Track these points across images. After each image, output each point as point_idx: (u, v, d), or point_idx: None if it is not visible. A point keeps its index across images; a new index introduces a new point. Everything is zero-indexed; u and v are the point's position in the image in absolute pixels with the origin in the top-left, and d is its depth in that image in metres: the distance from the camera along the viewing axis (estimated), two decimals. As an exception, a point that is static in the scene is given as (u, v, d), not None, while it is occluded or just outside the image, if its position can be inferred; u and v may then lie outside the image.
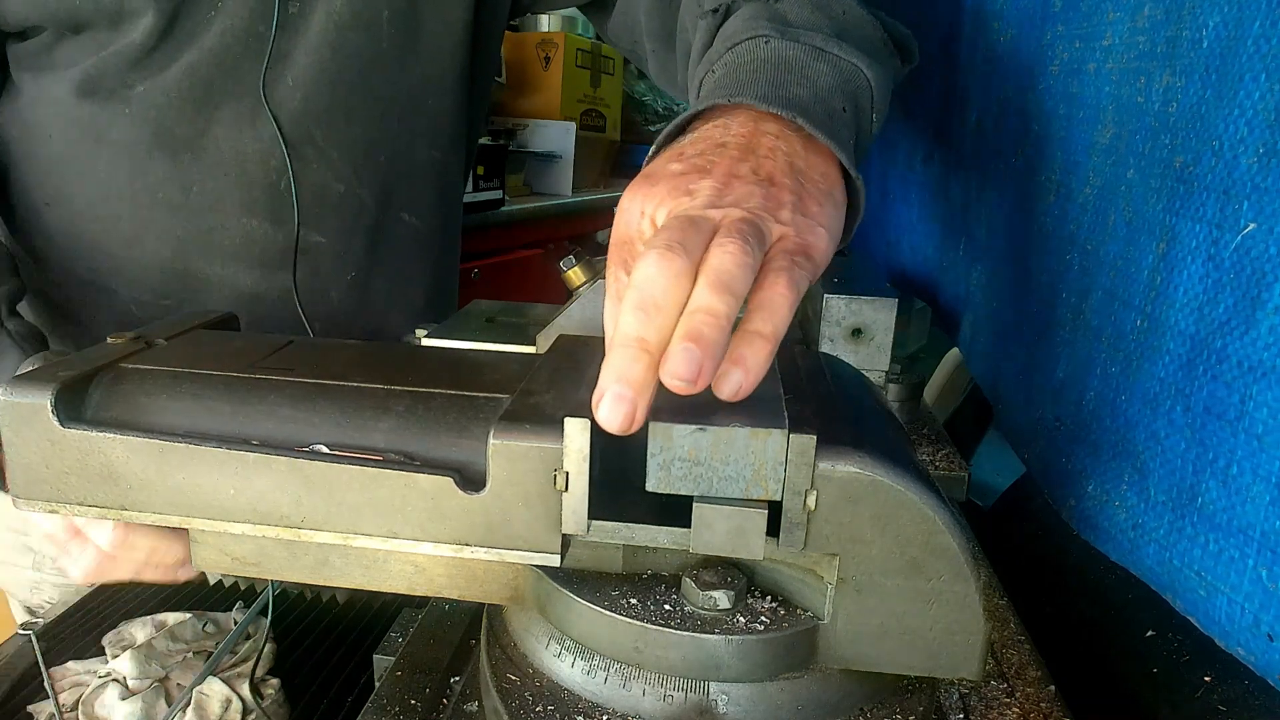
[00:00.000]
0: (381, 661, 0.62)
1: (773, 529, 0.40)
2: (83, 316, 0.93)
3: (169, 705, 0.68)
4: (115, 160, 0.87)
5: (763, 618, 0.45)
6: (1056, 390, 0.69)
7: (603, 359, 0.40)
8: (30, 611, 0.95)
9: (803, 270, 0.43)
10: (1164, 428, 0.54)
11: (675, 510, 0.42)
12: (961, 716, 0.57)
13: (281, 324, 0.93)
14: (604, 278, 0.72)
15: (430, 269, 1.10)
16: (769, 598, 0.46)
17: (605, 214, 3.06)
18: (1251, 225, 0.46)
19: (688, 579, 0.45)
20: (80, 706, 0.68)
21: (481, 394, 0.46)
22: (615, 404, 0.37)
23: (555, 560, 0.42)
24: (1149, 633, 0.69)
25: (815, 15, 0.66)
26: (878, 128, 0.64)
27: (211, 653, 0.73)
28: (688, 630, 0.43)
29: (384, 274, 1.02)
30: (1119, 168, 0.60)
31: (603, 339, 0.54)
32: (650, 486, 0.40)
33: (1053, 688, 0.59)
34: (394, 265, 1.04)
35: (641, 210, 0.47)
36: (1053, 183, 0.72)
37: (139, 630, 0.76)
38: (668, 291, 0.39)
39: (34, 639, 0.77)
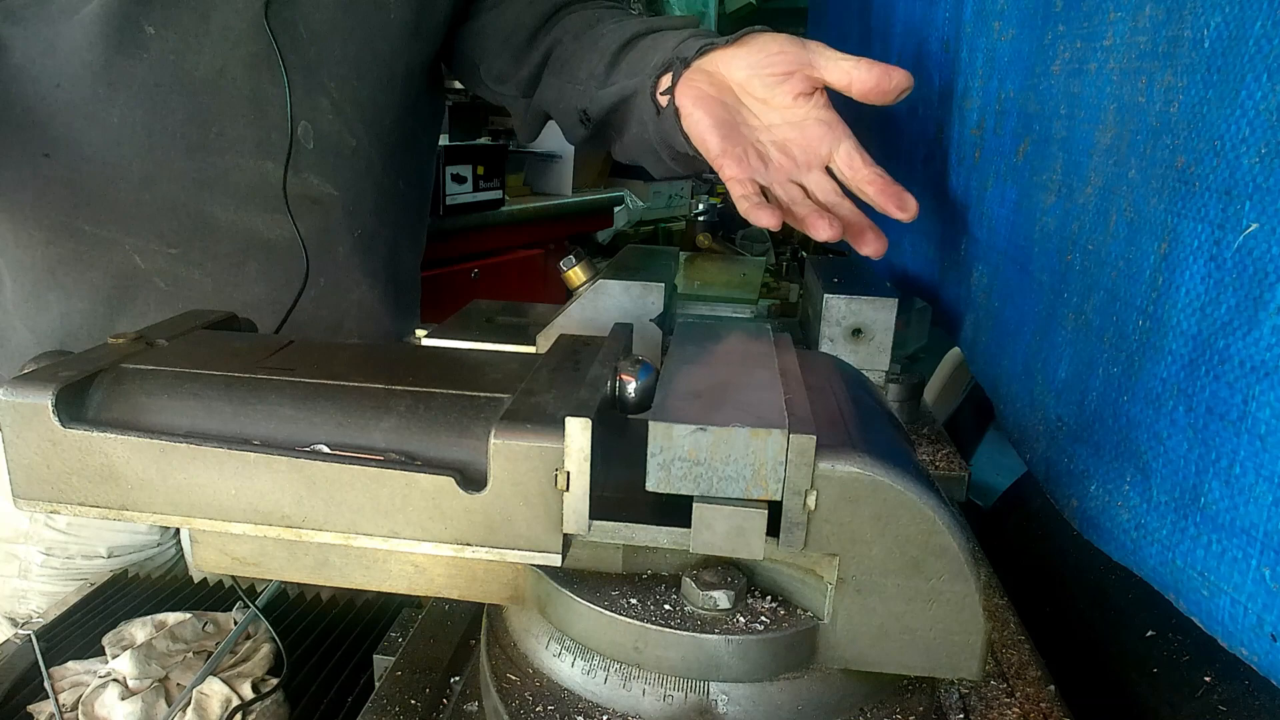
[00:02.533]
0: (381, 661, 0.62)
1: (773, 529, 0.40)
2: (79, 273, 0.91)
3: (169, 705, 0.68)
4: (131, 103, 0.87)
5: (763, 618, 0.45)
6: (1059, 390, 0.69)
7: (604, 356, 0.44)
8: (14, 622, 0.94)
9: None
10: (1166, 428, 0.54)
11: (675, 510, 0.42)
12: (961, 716, 0.57)
13: (288, 273, 0.94)
14: (604, 278, 0.72)
15: (414, 244, 1.15)
16: (769, 598, 0.46)
17: (605, 214, 3.06)
18: (1254, 225, 0.46)
19: (688, 579, 0.45)
20: (80, 706, 0.68)
21: (482, 394, 0.46)
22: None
23: (556, 560, 0.42)
24: (1149, 633, 0.69)
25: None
26: None
27: (211, 653, 0.73)
28: (688, 630, 0.43)
29: (385, 237, 1.05)
30: (1120, 168, 0.60)
31: (603, 338, 0.54)
32: (650, 486, 0.40)
33: (1053, 688, 0.60)
34: (393, 230, 1.06)
35: None
36: (1054, 183, 0.72)
37: (139, 630, 0.76)
38: None
39: (34, 639, 0.77)
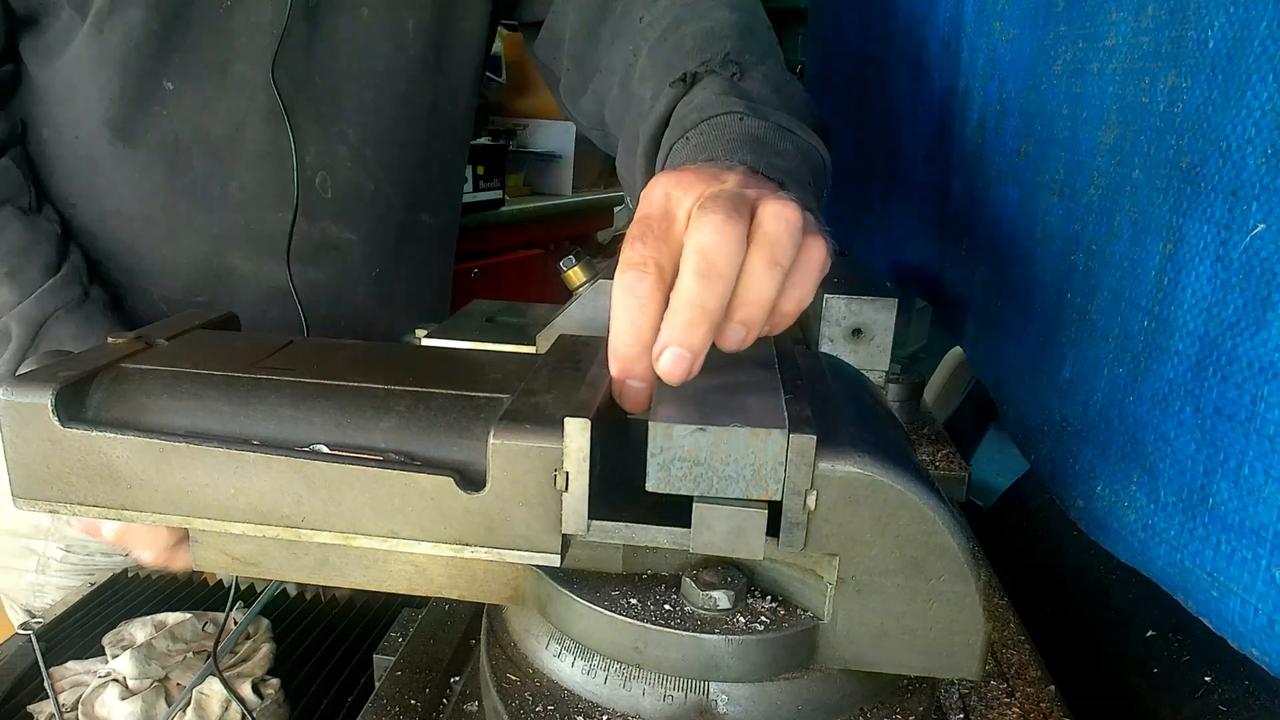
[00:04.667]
0: (381, 661, 0.62)
1: (773, 529, 0.40)
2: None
3: (169, 705, 0.68)
4: (151, 160, 0.86)
5: (763, 618, 0.45)
6: (1063, 391, 0.69)
7: (603, 356, 0.44)
8: (31, 614, 0.94)
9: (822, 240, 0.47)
10: (1174, 429, 0.54)
11: (675, 510, 0.42)
12: (961, 716, 0.57)
13: (312, 318, 0.94)
14: (604, 278, 0.72)
15: (441, 267, 1.14)
16: (769, 598, 0.46)
17: (605, 214, 3.06)
18: (1260, 226, 0.46)
19: (688, 579, 0.45)
20: (80, 706, 0.68)
21: (482, 394, 0.46)
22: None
23: (555, 560, 0.42)
24: (1149, 633, 0.69)
25: (774, 96, 0.70)
26: (823, 204, 0.67)
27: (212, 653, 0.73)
28: (688, 630, 0.43)
29: (406, 272, 1.05)
30: (1124, 168, 0.60)
31: (603, 338, 0.54)
32: (650, 486, 0.40)
33: (1053, 688, 0.59)
34: (414, 263, 1.06)
35: (668, 193, 0.47)
36: (1056, 183, 0.72)
37: (139, 630, 0.76)
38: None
39: (34, 639, 0.77)
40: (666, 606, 0.45)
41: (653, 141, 0.74)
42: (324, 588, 0.87)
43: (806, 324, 0.91)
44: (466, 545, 0.43)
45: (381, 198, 0.98)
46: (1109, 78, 0.63)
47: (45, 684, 0.71)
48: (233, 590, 0.77)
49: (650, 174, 0.73)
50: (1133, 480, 0.58)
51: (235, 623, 0.78)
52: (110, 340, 0.52)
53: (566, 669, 0.47)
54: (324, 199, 0.93)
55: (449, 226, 1.15)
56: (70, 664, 0.74)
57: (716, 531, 0.40)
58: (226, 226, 0.90)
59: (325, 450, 0.44)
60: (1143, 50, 0.58)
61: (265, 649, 0.75)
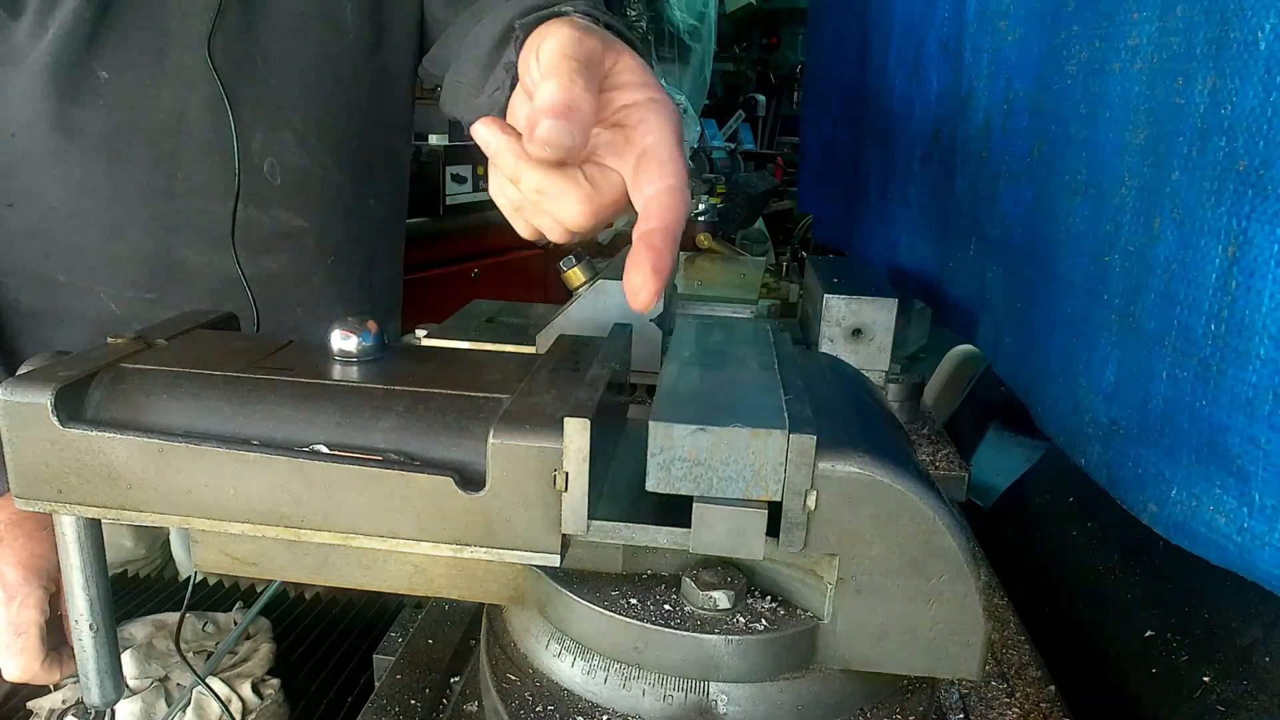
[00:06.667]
0: (381, 661, 0.62)
1: (773, 529, 0.40)
2: (56, 322, 0.90)
3: (169, 705, 0.68)
4: (91, 153, 0.85)
5: (763, 618, 0.45)
6: (1108, 394, 0.68)
7: (601, 357, 0.44)
8: None
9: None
10: (1264, 432, 0.53)
11: (675, 510, 0.42)
12: (961, 716, 0.57)
13: (267, 308, 0.93)
14: (605, 278, 0.72)
15: (392, 254, 1.14)
16: (769, 598, 0.46)
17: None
18: None
19: (688, 579, 0.45)
20: (80, 705, 0.68)
21: (481, 394, 0.46)
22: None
23: (555, 560, 0.42)
24: (1148, 633, 0.69)
25: None
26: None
27: (211, 653, 0.73)
28: (688, 630, 0.43)
29: (358, 258, 1.04)
30: (1160, 169, 0.60)
31: (603, 338, 0.54)
32: (650, 486, 0.40)
33: (1053, 688, 0.60)
34: (366, 249, 1.05)
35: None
36: (1079, 183, 0.72)
37: (139, 630, 0.76)
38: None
39: (34, 639, 0.77)
40: (666, 606, 0.45)
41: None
42: (324, 588, 0.87)
43: (807, 324, 0.91)
44: (466, 545, 0.43)
45: (331, 183, 0.97)
46: (1134, 78, 0.62)
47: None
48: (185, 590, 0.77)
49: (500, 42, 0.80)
50: (1216, 484, 0.57)
51: (235, 623, 0.78)
52: (110, 340, 0.52)
53: (566, 669, 0.47)
54: (273, 186, 0.92)
55: (397, 212, 1.14)
56: (70, 662, 0.74)
57: (716, 531, 0.40)
58: (174, 218, 0.89)
59: (324, 450, 0.44)
60: (1173, 51, 0.57)
61: (265, 649, 0.75)
